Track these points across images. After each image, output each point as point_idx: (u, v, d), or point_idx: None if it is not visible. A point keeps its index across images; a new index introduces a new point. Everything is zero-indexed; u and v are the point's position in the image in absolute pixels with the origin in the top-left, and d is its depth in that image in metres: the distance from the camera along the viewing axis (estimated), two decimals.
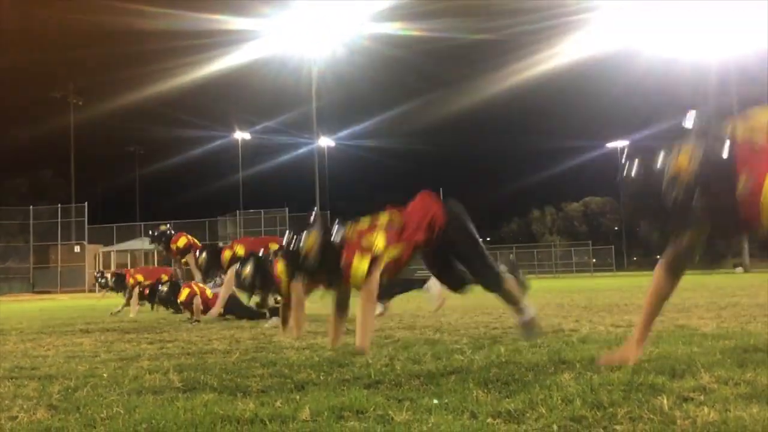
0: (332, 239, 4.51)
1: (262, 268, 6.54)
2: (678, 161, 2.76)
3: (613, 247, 66.86)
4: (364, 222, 4.67)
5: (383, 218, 4.65)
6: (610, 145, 75.08)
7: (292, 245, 4.61)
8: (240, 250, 7.56)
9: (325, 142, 60.03)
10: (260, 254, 7.58)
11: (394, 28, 50.09)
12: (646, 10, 45.38)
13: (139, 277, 11.92)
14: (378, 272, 4.43)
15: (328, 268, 4.54)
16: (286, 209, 54.21)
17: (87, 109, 58.56)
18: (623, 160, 2.99)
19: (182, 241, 10.33)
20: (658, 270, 3.26)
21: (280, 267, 5.87)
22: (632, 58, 52.42)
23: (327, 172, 57.05)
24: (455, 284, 4.83)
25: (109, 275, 12.75)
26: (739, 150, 2.81)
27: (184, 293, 8.26)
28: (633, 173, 2.93)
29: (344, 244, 4.50)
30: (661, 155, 2.80)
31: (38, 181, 64.96)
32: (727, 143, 2.80)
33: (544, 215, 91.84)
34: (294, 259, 4.63)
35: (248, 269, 6.59)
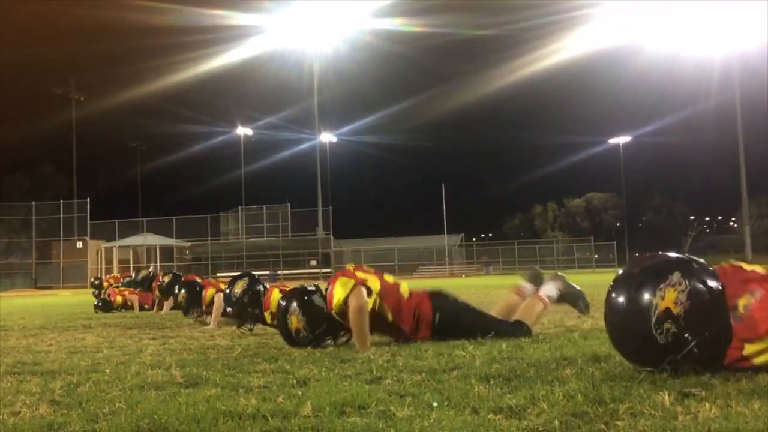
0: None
1: (255, 287, 6.25)
2: (666, 297, 2.78)
3: (615, 243, 66.80)
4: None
5: (387, 276, 4.66)
6: (613, 140, 75.04)
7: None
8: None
9: (327, 137, 60.04)
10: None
11: (396, 24, 50.05)
12: (648, 6, 45.30)
13: (126, 292, 11.96)
14: (364, 290, 4.36)
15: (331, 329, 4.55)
16: (288, 205, 54.32)
17: (89, 105, 58.57)
18: (609, 293, 3.01)
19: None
20: None
21: (275, 295, 5.74)
22: (635, 54, 52.38)
23: (329, 167, 57.05)
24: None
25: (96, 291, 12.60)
26: (743, 275, 2.92)
27: (210, 294, 7.99)
28: (619, 308, 2.94)
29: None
30: (648, 291, 2.81)
31: (40, 176, 64.98)
32: (715, 274, 2.89)
33: (546, 211, 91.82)
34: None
35: (241, 284, 6.29)
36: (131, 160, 74.13)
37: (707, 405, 2.24)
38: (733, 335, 2.82)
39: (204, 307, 7.35)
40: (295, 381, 3.07)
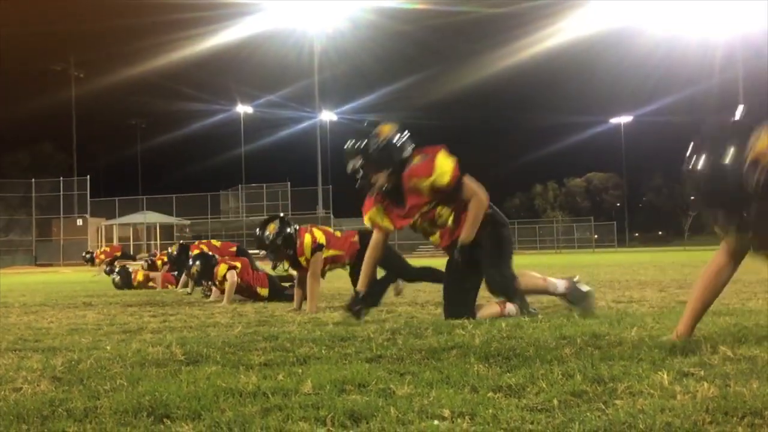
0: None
1: (286, 230, 6.19)
2: (759, 144, 2.70)
3: (615, 223, 66.88)
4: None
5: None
6: (614, 120, 74.86)
7: None
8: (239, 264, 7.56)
9: (328, 116, 59.85)
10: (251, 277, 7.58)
11: (398, 2, 49.73)
12: None
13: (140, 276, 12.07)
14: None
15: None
16: (288, 183, 54.24)
17: (88, 81, 58.38)
18: (690, 152, 2.89)
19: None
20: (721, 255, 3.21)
21: (307, 239, 6.06)
22: (637, 34, 52.12)
23: (329, 146, 56.90)
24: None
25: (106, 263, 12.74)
26: None
27: (222, 270, 7.70)
28: (704, 164, 2.82)
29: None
30: (735, 143, 2.73)
31: (40, 154, 64.87)
32: None
33: (547, 191, 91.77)
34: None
35: (272, 227, 6.20)
36: (131, 137, 74.06)
37: (706, 384, 2.25)
38: None
39: (216, 282, 7.46)
40: (295, 359, 3.08)
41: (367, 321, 4.65)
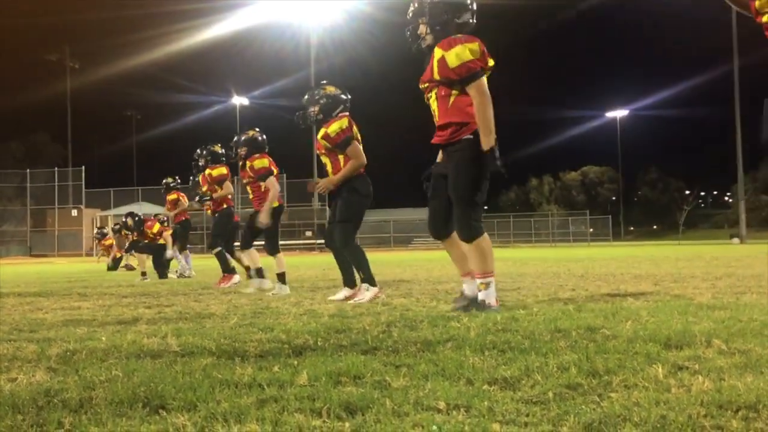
0: None
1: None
2: None
3: (610, 216, 67.02)
4: None
5: None
6: (610, 114, 74.94)
7: None
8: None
9: None
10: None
11: None
12: None
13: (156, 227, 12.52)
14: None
15: None
16: (284, 176, 54.12)
17: (84, 72, 58.21)
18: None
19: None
20: None
21: None
22: (633, 27, 52.07)
23: None
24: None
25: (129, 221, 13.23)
26: None
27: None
28: None
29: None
30: None
31: (35, 144, 64.71)
32: None
33: (542, 184, 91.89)
34: None
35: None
36: (127, 128, 73.96)
37: (700, 378, 2.26)
38: None
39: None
40: (290, 351, 3.08)
41: (362, 313, 4.66)
